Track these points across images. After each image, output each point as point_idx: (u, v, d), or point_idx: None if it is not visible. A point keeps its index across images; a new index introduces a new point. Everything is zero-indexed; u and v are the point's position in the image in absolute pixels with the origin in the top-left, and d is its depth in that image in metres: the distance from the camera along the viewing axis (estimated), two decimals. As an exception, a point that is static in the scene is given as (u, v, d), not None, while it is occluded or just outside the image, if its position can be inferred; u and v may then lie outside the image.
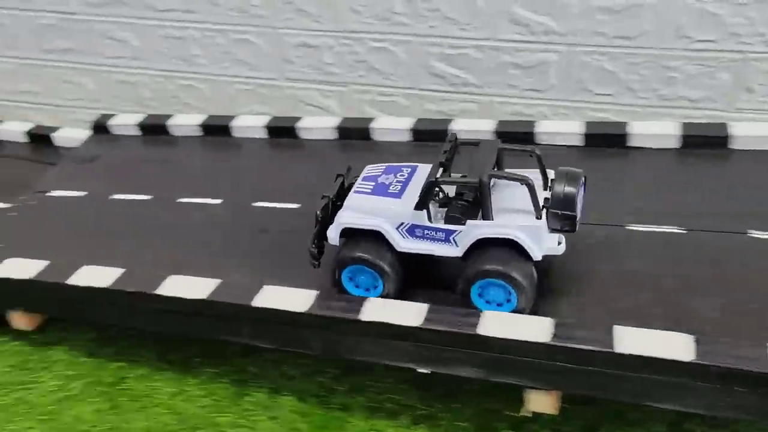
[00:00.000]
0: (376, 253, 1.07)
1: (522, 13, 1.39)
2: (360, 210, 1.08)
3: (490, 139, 1.16)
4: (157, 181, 1.46)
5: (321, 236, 1.10)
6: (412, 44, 1.50)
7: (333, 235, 1.09)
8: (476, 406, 1.10)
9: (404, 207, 1.05)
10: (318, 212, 1.09)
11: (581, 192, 1.02)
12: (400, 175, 1.11)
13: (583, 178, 1.02)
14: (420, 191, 1.03)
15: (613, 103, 1.44)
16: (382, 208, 1.07)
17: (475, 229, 1.02)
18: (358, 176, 1.14)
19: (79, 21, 1.74)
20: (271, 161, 1.52)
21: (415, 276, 1.11)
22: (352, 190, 1.11)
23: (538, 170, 1.05)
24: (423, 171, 1.09)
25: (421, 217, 1.04)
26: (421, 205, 1.04)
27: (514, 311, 1.03)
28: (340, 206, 1.10)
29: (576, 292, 1.05)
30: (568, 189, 0.99)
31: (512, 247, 1.01)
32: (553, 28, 1.38)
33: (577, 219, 1.00)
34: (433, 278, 1.12)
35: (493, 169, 1.03)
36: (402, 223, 1.06)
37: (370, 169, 1.16)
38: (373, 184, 1.11)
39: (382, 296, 1.09)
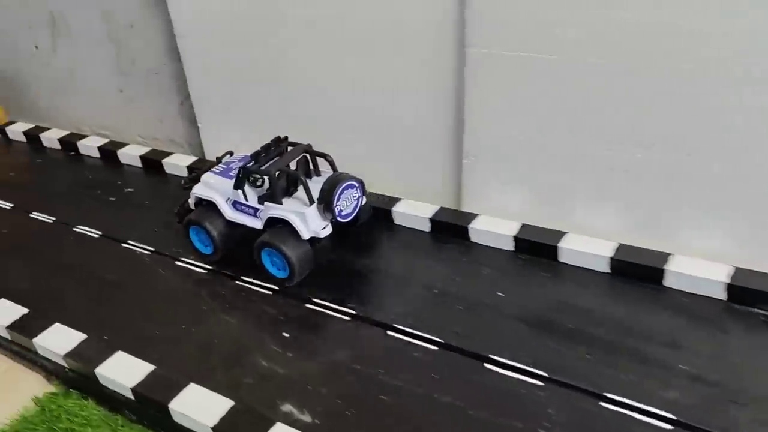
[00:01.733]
0: (209, 219, 1.40)
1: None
2: (207, 185, 1.43)
3: (301, 144, 1.43)
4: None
5: (185, 203, 1.49)
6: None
7: (191, 201, 1.47)
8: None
9: (231, 186, 1.37)
10: (182, 182, 1.51)
11: (350, 192, 1.33)
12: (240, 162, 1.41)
13: (354, 182, 1.34)
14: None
15: None
16: (219, 185, 1.41)
17: (268, 210, 1.34)
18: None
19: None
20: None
21: (243, 242, 1.42)
22: (210, 170, 1.46)
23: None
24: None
25: (238, 196, 1.37)
26: (236, 185, 1.36)
27: (288, 278, 1.33)
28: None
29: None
30: (328, 187, 1.31)
31: (292, 227, 1.30)
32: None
33: (339, 211, 1.31)
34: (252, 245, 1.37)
35: (297, 167, 1.38)
36: (229, 198, 1.39)
37: (234, 157, 1.51)
38: (225, 167, 1.46)
39: (212, 254, 1.44)
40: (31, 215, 1.80)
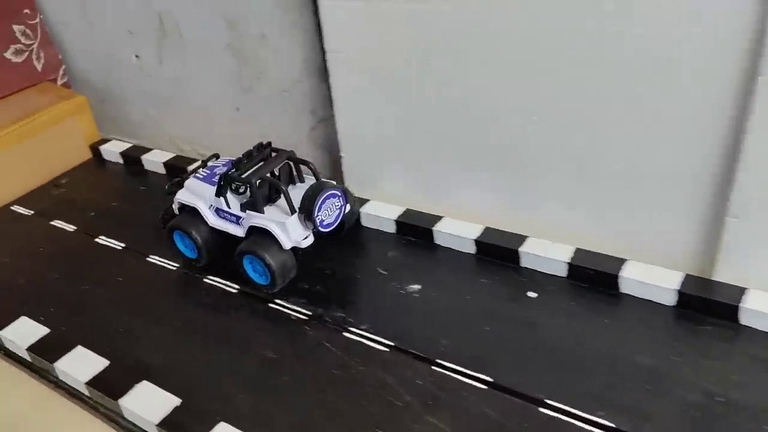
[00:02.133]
0: (193, 225, 1.40)
1: None
2: (190, 190, 1.41)
3: (284, 150, 1.42)
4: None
5: (169, 208, 1.48)
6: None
7: (174, 207, 1.45)
8: None
9: (213, 193, 1.36)
10: (166, 187, 1.50)
11: (332, 201, 1.31)
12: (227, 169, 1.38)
13: (336, 191, 1.32)
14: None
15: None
16: (202, 191, 1.39)
17: (250, 218, 1.32)
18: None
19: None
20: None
21: (225, 248, 1.42)
22: (193, 174, 1.44)
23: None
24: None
25: (220, 203, 1.36)
26: (218, 193, 1.35)
27: (269, 285, 1.34)
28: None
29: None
30: (310, 196, 1.28)
31: (273, 236, 1.29)
32: None
33: (320, 221, 1.29)
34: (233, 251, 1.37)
35: (279, 174, 1.39)
36: (211, 205, 1.38)
37: (218, 161, 1.48)
38: (208, 172, 1.43)
39: (197, 259, 1.45)
40: (148, 258, 1.53)
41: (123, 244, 1.60)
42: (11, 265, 1.59)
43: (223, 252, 1.43)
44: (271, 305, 1.34)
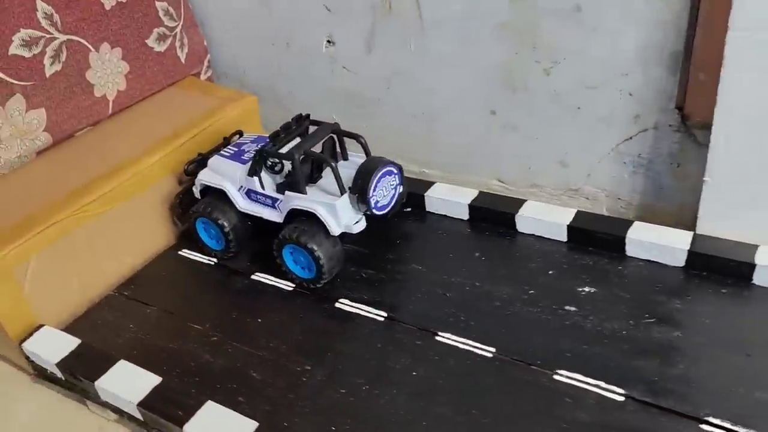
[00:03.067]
0: (220, 211, 1.22)
1: None
2: (215, 170, 1.24)
3: (327, 123, 1.20)
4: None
5: (189, 190, 1.29)
6: None
7: (196, 189, 1.27)
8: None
9: (244, 172, 1.19)
10: (185, 166, 1.29)
11: (387, 180, 1.15)
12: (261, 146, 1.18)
13: (393, 168, 1.15)
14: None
15: None
16: (230, 171, 1.22)
17: (290, 201, 1.15)
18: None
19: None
20: None
21: (258, 235, 1.26)
22: (218, 152, 1.27)
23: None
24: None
25: (253, 183, 1.18)
26: (251, 171, 1.18)
27: (314, 279, 1.16)
28: None
29: None
30: (364, 174, 1.11)
31: (319, 220, 1.12)
32: None
33: (374, 203, 1.13)
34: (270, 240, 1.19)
35: (322, 150, 1.19)
36: (242, 186, 1.21)
37: (246, 137, 1.32)
38: (236, 150, 1.26)
39: (224, 250, 1.27)
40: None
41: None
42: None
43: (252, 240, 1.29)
44: (338, 305, 1.15)
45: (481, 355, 1.02)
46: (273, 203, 1.18)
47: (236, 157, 1.24)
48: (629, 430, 0.88)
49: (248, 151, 1.24)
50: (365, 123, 1.50)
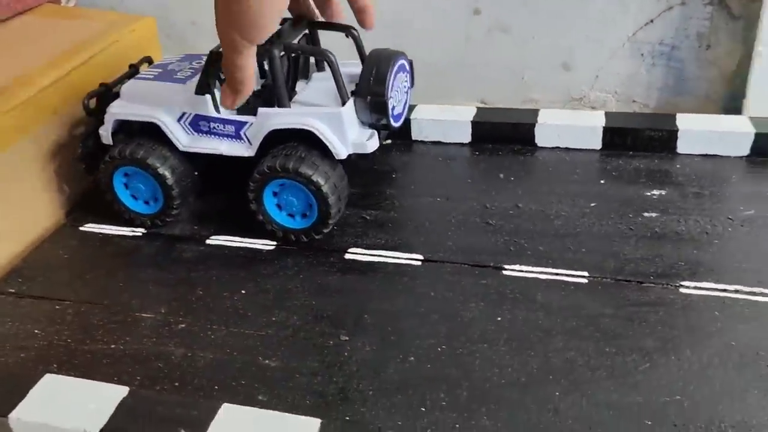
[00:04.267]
0: (157, 155, 0.86)
1: None
2: (135, 99, 0.88)
3: (303, 15, 0.87)
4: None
5: (95, 134, 0.91)
6: None
7: (105, 131, 0.89)
8: None
9: (186, 92, 0.85)
10: (85, 100, 0.91)
11: (401, 78, 0.85)
12: (197, 63, 0.91)
13: (405, 62, 0.85)
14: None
15: None
16: (161, 95, 0.87)
17: (268, 119, 0.82)
18: None
19: None
20: None
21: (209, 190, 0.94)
22: (134, 76, 0.93)
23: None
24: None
25: (204, 105, 0.84)
26: (202, 87, 0.83)
27: (314, 226, 0.85)
28: None
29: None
30: (380, 70, 0.81)
31: (315, 143, 0.82)
32: None
33: (392, 109, 0.83)
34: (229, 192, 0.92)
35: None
36: (184, 114, 0.86)
37: (167, 59, 0.97)
38: (160, 70, 0.92)
39: (160, 212, 0.90)
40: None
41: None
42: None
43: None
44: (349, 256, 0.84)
45: (574, 282, 0.77)
46: (237, 130, 0.85)
47: (165, 77, 0.89)
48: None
49: (180, 70, 0.90)
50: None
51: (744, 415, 0.59)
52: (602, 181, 0.93)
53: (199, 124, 0.86)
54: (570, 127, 0.99)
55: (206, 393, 0.66)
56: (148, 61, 1.00)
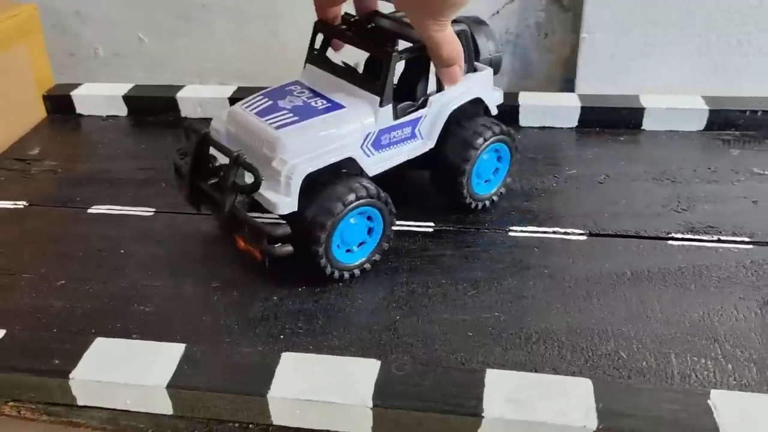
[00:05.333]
0: (363, 187, 0.77)
1: None
2: (306, 145, 0.75)
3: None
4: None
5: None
6: None
7: (281, 199, 0.74)
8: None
9: (359, 113, 0.78)
10: (184, 127, 0.78)
11: None
12: (298, 93, 0.83)
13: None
14: (391, 83, 0.78)
15: None
16: (331, 128, 0.77)
17: (442, 104, 0.84)
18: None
19: None
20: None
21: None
22: (269, 127, 0.76)
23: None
24: (312, 78, 0.84)
25: (386, 117, 0.80)
26: (388, 96, 0.78)
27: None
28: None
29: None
30: (488, 31, 0.90)
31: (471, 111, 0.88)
32: None
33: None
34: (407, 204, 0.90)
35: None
36: (367, 136, 0.79)
37: (249, 103, 0.81)
38: (301, 103, 0.80)
39: (373, 250, 0.82)
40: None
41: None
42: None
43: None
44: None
45: (421, 231, 0.88)
46: (413, 129, 0.83)
47: (308, 113, 0.78)
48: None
49: (307, 101, 0.81)
50: (187, 39, 1.25)
51: (547, 324, 0.72)
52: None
53: (381, 139, 0.81)
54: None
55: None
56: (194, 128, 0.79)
